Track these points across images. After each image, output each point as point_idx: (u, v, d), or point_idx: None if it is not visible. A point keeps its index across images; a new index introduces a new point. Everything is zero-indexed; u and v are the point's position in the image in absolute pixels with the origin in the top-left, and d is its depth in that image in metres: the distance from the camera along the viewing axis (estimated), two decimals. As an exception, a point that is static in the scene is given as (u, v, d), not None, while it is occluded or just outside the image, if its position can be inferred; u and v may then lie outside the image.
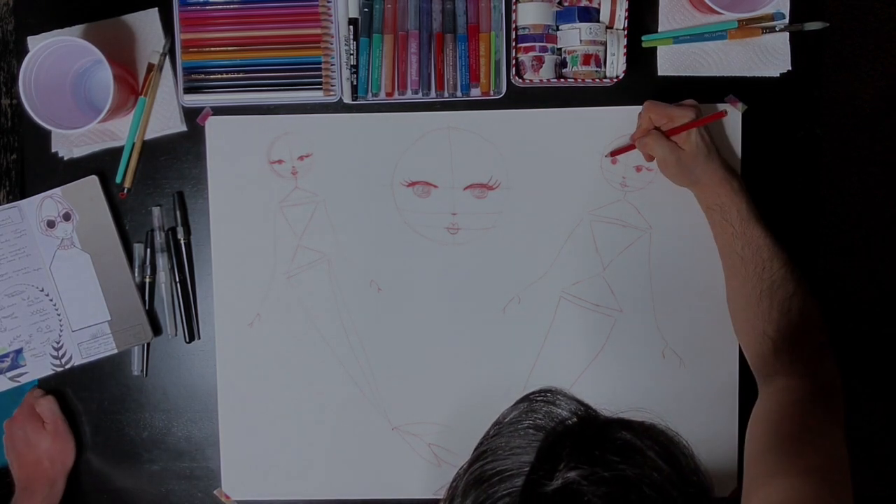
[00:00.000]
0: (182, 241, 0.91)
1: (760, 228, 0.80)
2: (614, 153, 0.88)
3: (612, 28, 0.86)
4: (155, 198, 0.92)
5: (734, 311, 0.84)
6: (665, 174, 0.86)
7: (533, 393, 0.54)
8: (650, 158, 0.87)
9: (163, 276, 0.91)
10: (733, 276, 0.83)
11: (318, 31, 0.88)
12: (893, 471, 1.58)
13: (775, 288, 0.78)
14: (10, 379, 0.90)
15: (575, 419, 0.51)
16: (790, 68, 0.89)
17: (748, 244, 0.80)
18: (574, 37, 0.85)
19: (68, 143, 0.91)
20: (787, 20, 0.88)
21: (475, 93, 0.88)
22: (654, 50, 0.89)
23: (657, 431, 0.49)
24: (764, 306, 0.78)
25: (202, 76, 0.89)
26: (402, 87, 0.89)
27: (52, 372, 0.91)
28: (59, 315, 0.90)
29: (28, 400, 0.91)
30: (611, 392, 0.90)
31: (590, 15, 0.85)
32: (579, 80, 0.86)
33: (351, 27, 0.88)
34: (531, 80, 0.86)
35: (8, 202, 0.91)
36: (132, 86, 0.89)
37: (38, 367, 0.90)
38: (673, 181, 0.86)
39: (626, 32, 0.85)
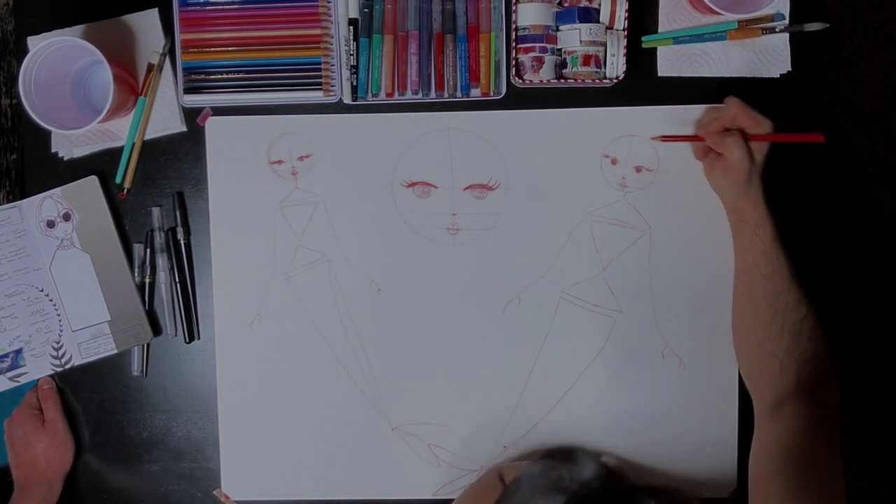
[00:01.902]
0: (182, 242, 0.91)
1: (783, 249, 0.79)
2: (666, 138, 0.86)
3: (612, 29, 0.86)
4: (155, 198, 0.92)
5: (742, 329, 0.84)
6: (720, 179, 0.83)
7: (554, 450, 0.54)
8: (706, 156, 0.84)
9: (163, 277, 0.91)
10: (749, 294, 0.82)
11: (318, 31, 0.88)
12: (893, 471, 1.58)
13: (789, 309, 0.78)
14: (10, 379, 0.90)
15: (598, 483, 0.50)
16: (790, 69, 0.89)
17: (771, 263, 0.79)
18: (574, 37, 0.85)
19: (68, 143, 0.91)
20: (786, 21, 0.88)
21: (475, 93, 0.88)
22: (654, 50, 0.89)
23: (682, 499, 0.49)
24: (776, 327, 0.78)
25: (202, 76, 0.89)
26: (402, 87, 0.89)
27: (52, 372, 0.91)
28: (58, 315, 0.90)
29: (29, 399, 0.91)
30: (611, 392, 0.90)
31: (590, 15, 0.85)
32: (579, 81, 0.86)
33: (351, 27, 0.88)
34: (531, 81, 0.86)
35: (8, 202, 0.91)
36: (132, 86, 0.89)
37: (38, 368, 0.90)
38: (721, 187, 0.84)
39: (626, 33, 0.85)
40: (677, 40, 0.88)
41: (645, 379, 0.90)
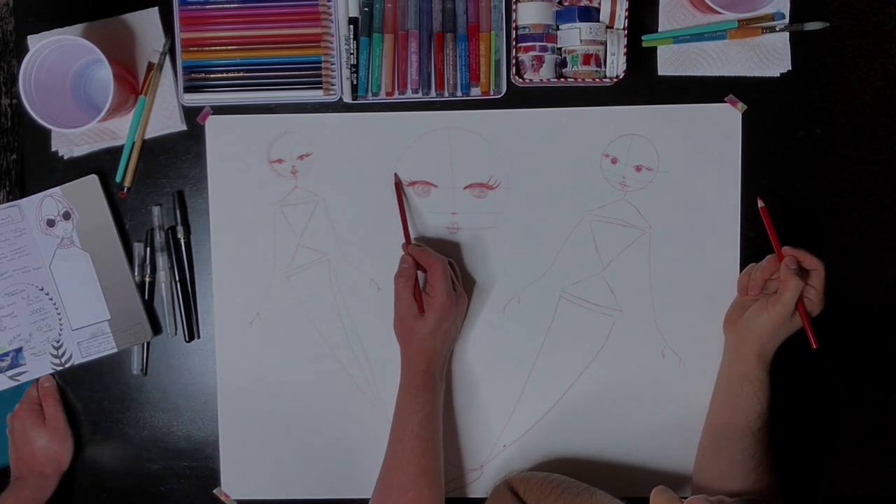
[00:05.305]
0: (182, 241, 0.91)
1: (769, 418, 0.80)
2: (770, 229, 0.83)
3: (612, 28, 0.86)
4: (155, 197, 0.92)
5: (708, 481, 0.83)
6: (758, 315, 0.80)
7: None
8: (759, 285, 0.83)
9: (163, 276, 0.91)
10: (736, 450, 0.80)
11: (319, 30, 0.88)
12: (893, 471, 1.58)
13: (766, 473, 0.79)
14: (10, 378, 0.90)
15: None
16: (790, 68, 0.89)
17: (764, 426, 0.79)
18: (574, 36, 0.85)
19: (68, 143, 0.91)
20: (787, 20, 0.88)
21: (475, 92, 0.88)
22: (654, 50, 0.89)
23: None
24: (751, 479, 0.79)
25: (202, 75, 0.89)
26: (402, 86, 0.89)
27: (52, 371, 0.91)
28: (58, 314, 0.90)
29: (30, 394, 0.91)
30: (611, 392, 0.90)
31: (590, 14, 0.85)
32: (579, 80, 0.86)
33: (351, 26, 0.88)
34: (531, 80, 0.86)
35: (8, 201, 0.91)
36: (132, 85, 0.89)
37: (38, 366, 0.90)
38: (749, 326, 0.81)
39: (626, 32, 0.85)
40: (677, 39, 0.88)
41: (645, 378, 0.90)
